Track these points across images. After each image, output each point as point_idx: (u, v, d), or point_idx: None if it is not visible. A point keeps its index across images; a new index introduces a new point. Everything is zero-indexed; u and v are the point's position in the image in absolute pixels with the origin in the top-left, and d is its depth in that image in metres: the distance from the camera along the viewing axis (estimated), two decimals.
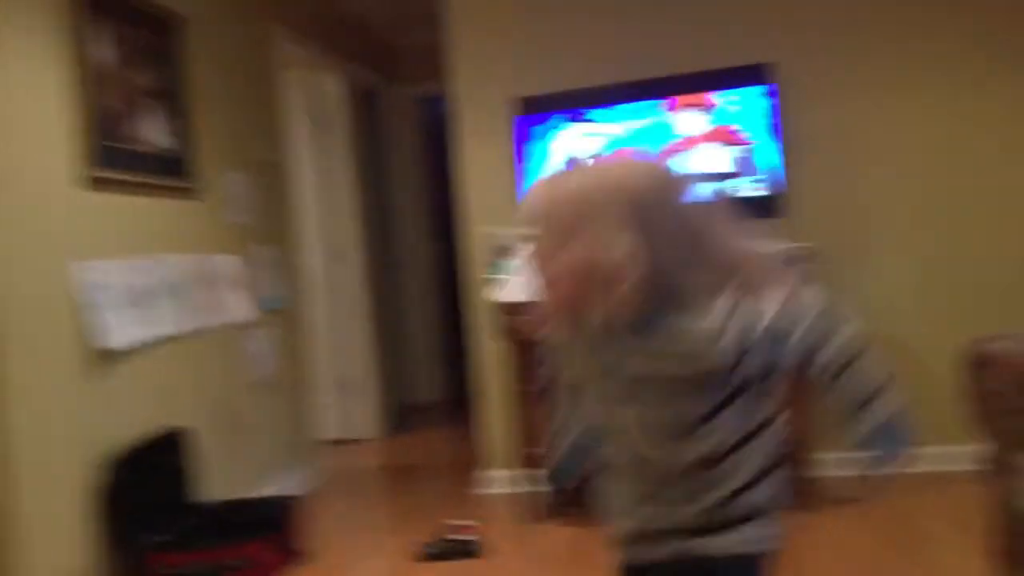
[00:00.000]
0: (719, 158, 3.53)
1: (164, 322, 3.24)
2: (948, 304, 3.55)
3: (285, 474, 4.14)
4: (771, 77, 3.50)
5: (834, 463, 3.39)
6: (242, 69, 4.18)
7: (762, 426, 1.28)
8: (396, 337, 6.11)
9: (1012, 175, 3.54)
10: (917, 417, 1.27)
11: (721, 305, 1.20)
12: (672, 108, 3.56)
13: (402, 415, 5.88)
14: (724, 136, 3.52)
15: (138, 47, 3.27)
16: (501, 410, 3.76)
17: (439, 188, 6.57)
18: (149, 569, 2.87)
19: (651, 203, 1.20)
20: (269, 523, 3.13)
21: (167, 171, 3.44)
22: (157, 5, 3.42)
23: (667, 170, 1.30)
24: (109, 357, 2.95)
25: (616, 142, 3.59)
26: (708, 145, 3.53)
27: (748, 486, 1.27)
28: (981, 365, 2.05)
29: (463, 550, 3.11)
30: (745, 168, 3.51)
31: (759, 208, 3.43)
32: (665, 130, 3.56)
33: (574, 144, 3.63)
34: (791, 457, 3.38)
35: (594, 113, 3.63)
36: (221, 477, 3.53)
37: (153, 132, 3.35)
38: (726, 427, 1.25)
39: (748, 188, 3.51)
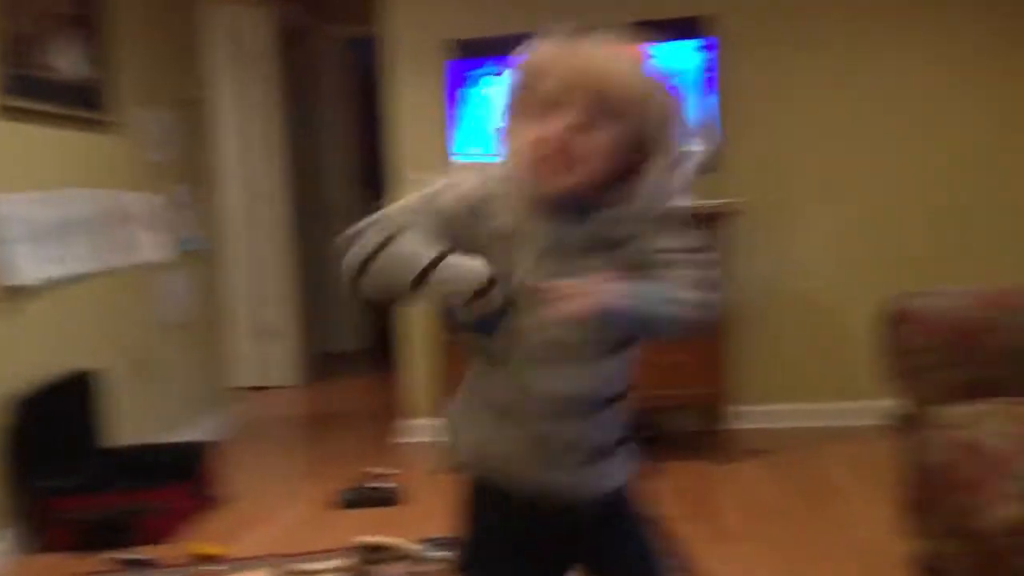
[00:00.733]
0: None
1: (76, 260, 3.11)
2: (869, 262, 3.62)
3: (201, 420, 4.04)
4: (708, 31, 3.48)
5: (746, 416, 3.45)
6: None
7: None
8: (318, 284, 6.00)
9: (938, 134, 3.62)
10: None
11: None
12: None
13: (322, 363, 5.80)
14: None
15: None
16: (423, 359, 3.72)
17: (369, 133, 6.44)
18: (54, 513, 2.77)
19: (653, 102, 1.19)
20: (182, 469, 3.05)
21: (82, 102, 3.29)
22: None
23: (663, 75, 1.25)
24: (18, 294, 2.82)
25: None
26: None
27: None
28: (899, 322, 2.08)
29: (381, 497, 3.08)
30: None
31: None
32: None
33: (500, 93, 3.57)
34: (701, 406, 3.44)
35: None
36: (133, 422, 3.42)
37: (68, 61, 3.18)
38: (634, 355, 1.25)
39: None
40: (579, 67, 1.18)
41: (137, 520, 2.78)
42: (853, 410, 3.50)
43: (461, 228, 1.20)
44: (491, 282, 1.15)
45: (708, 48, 3.48)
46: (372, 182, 6.46)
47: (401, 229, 1.19)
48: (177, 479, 2.96)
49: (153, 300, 3.73)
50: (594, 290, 1.11)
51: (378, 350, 6.25)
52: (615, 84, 1.17)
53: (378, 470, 3.31)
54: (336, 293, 6.20)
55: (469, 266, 1.15)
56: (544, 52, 1.21)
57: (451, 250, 1.16)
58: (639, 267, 1.18)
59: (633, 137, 1.16)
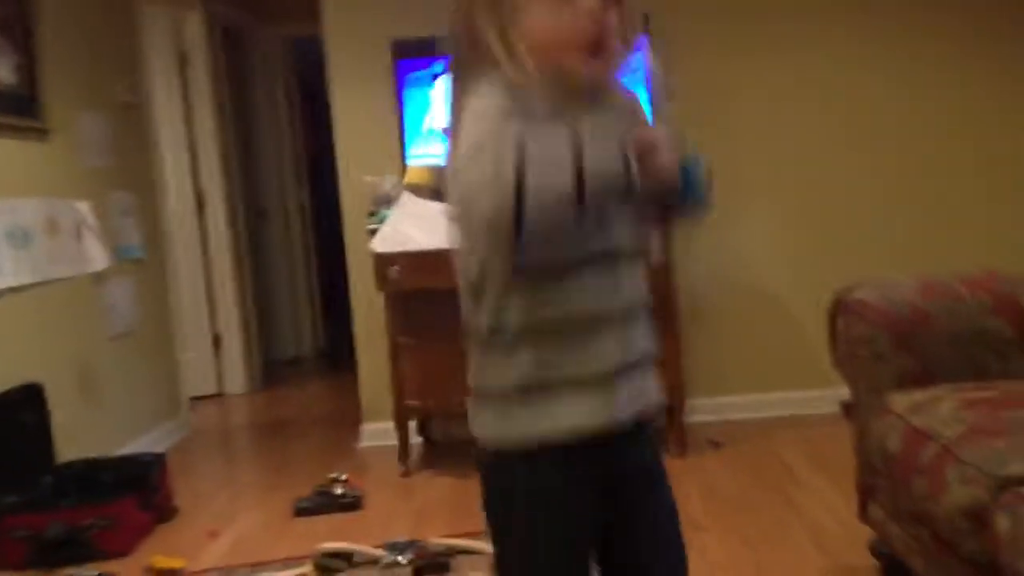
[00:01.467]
0: None
1: (13, 271, 3.03)
2: (815, 254, 3.69)
3: (153, 431, 3.97)
4: (645, 29, 3.51)
5: (700, 408, 3.50)
6: (98, 2, 3.90)
7: None
8: (266, 289, 5.93)
9: (881, 128, 3.69)
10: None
11: None
12: None
13: (274, 370, 5.74)
14: None
15: None
16: (379, 362, 3.70)
17: (311, 135, 6.39)
18: (6, 530, 2.71)
19: None
20: (135, 481, 3.00)
21: (16, 109, 3.21)
22: None
23: None
24: None
25: None
26: None
27: None
28: (843, 312, 2.14)
29: (339, 503, 3.06)
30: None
31: None
32: None
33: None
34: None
35: None
36: (84, 435, 3.36)
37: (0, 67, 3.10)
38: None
39: None
40: None
41: (92, 536, 2.73)
42: (805, 399, 3.58)
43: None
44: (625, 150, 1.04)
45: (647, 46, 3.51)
46: (316, 183, 6.42)
47: (518, 144, 1.00)
48: (131, 492, 2.90)
49: (97, 310, 3.66)
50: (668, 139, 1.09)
51: (330, 355, 6.22)
52: None
53: (335, 476, 3.28)
54: (285, 298, 6.14)
55: (601, 143, 1.02)
56: None
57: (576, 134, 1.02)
58: None
59: (628, 16, 1.14)
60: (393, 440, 3.46)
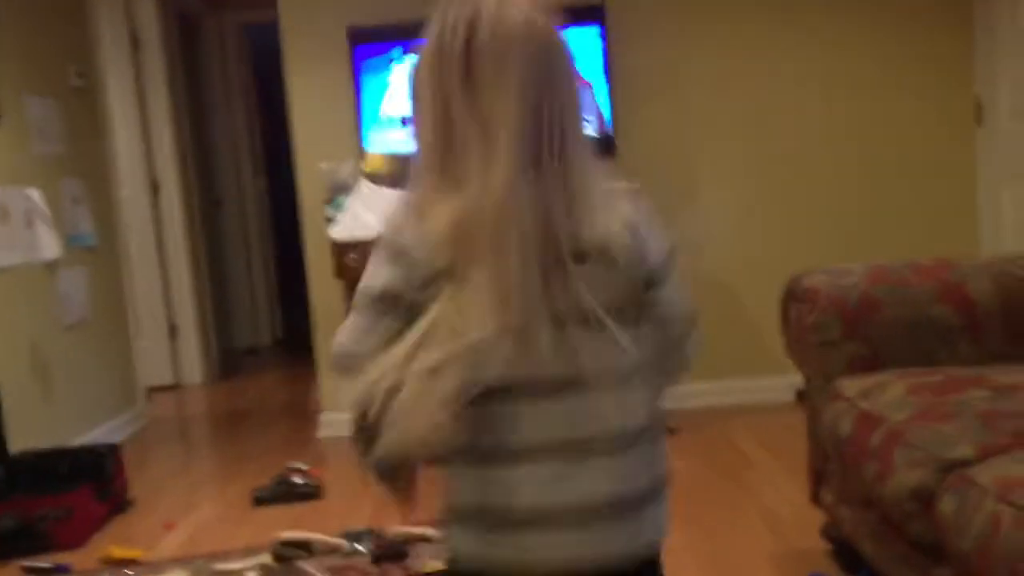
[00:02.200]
0: None
1: None
2: (768, 242, 3.74)
3: (108, 421, 3.93)
4: (604, 17, 3.53)
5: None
6: None
7: None
8: (221, 278, 5.87)
9: (834, 114, 3.73)
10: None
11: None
12: None
13: (230, 359, 5.69)
14: None
15: None
16: None
17: (268, 121, 6.33)
18: None
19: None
20: (90, 472, 2.96)
21: None
22: None
23: None
24: None
25: None
26: None
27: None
28: (799, 299, 2.17)
29: (297, 493, 3.06)
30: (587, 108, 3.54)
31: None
32: None
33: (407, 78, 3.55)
34: None
35: None
36: (37, 425, 3.31)
37: None
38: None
39: (587, 128, 3.55)
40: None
41: (47, 527, 2.70)
42: (760, 386, 3.64)
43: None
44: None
45: (605, 35, 3.53)
46: (271, 171, 6.36)
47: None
48: (86, 483, 2.87)
49: (50, 299, 3.60)
50: None
51: (287, 344, 6.18)
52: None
53: (295, 465, 3.27)
54: (242, 287, 6.10)
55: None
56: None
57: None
58: None
59: None
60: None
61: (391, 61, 3.55)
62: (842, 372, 2.08)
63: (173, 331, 5.15)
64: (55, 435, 3.40)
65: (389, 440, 1.01)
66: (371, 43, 3.56)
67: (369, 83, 3.57)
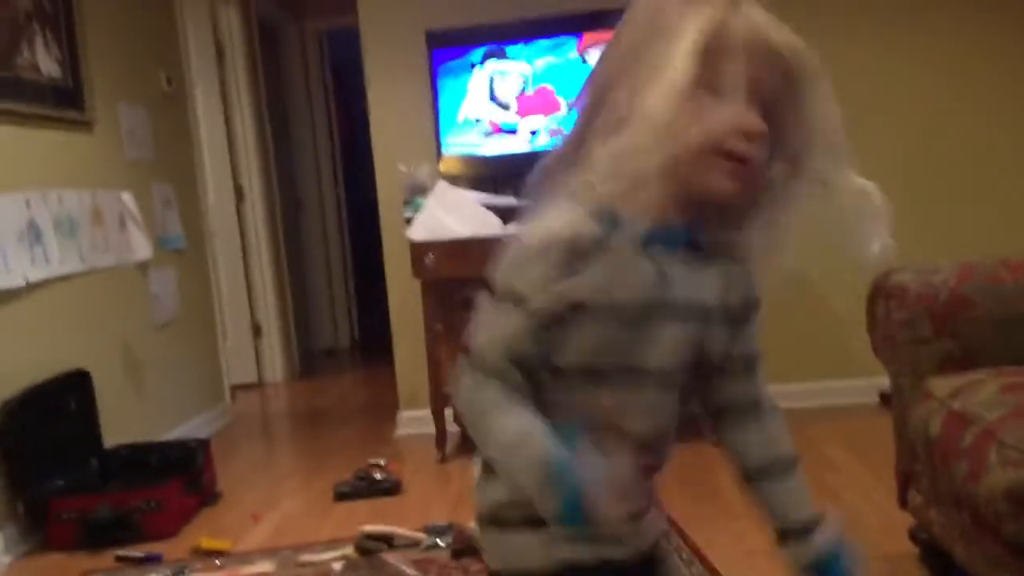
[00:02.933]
0: None
1: (60, 260, 3.11)
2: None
3: (195, 418, 4.05)
4: None
5: None
6: None
7: None
8: (301, 280, 6.00)
9: (915, 107, 3.65)
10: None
11: None
12: (582, 46, 3.53)
13: (309, 360, 5.81)
14: None
15: None
16: (417, 351, 3.73)
17: (347, 126, 6.45)
18: (54, 514, 2.78)
19: None
20: (180, 466, 3.06)
21: (59, 101, 3.27)
22: None
23: None
24: (3, 296, 2.81)
25: (533, 79, 3.57)
26: None
27: None
28: (885, 296, 2.13)
29: (377, 488, 3.10)
30: None
31: None
32: (579, 68, 3.54)
33: (488, 81, 3.59)
34: None
35: (511, 49, 3.58)
36: (129, 421, 3.43)
37: (40, 59, 3.16)
38: None
39: None
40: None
41: (138, 518, 2.80)
42: (844, 388, 3.57)
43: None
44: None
45: None
46: (350, 175, 6.48)
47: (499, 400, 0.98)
48: (176, 476, 2.97)
49: (142, 299, 3.73)
50: None
51: (364, 345, 6.28)
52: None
53: (373, 461, 3.33)
54: (322, 289, 6.23)
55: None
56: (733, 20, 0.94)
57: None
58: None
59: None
60: (430, 428, 3.50)
61: (472, 66, 3.59)
62: (932, 371, 2.03)
63: (257, 331, 5.29)
64: (146, 430, 3.52)
65: None
66: (449, 47, 3.60)
67: (447, 86, 3.62)
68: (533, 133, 3.60)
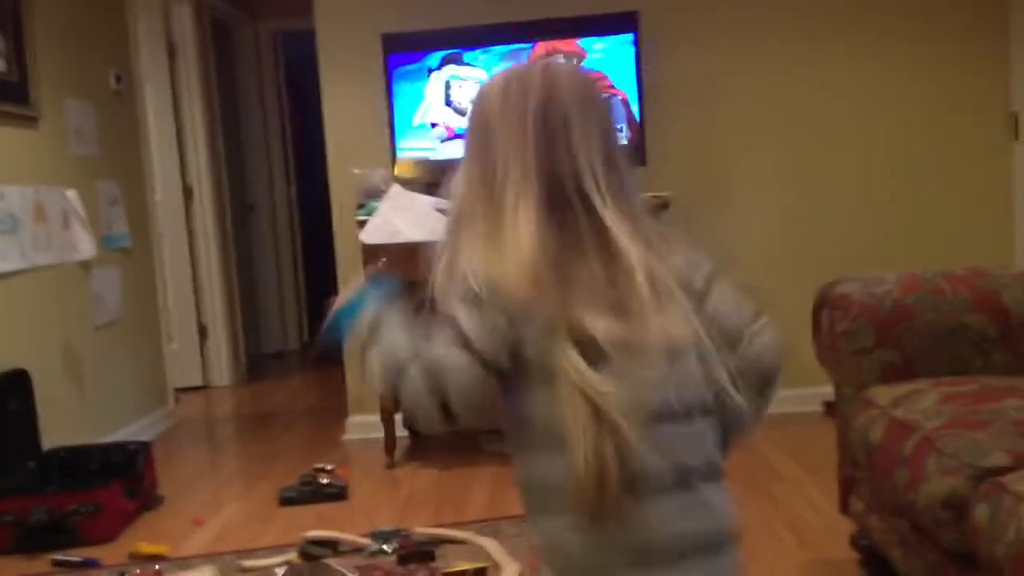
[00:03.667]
0: None
1: (0, 258, 3.03)
2: (800, 251, 3.73)
3: (138, 421, 3.97)
4: (638, 25, 3.54)
5: None
6: None
7: None
8: (250, 282, 5.93)
9: (867, 124, 3.72)
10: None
11: None
12: (536, 55, 3.54)
13: (257, 364, 5.73)
14: None
15: None
16: None
17: (298, 129, 6.39)
18: None
19: None
20: (121, 469, 3.00)
21: (3, 97, 3.20)
22: None
23: None
24: None
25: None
26: None
27: None
28: (830, 306, 2.16)
29: (324, 493, 3.07)
30: (619, 117, 3.55)
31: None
32: None
33: (444, 86, 3.59)
34: None
35: (469, 55, 3.58)
36: (69, 422, 3.36)
37: None
38: None
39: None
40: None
41: (76, 522, 2.73)
42: (788, 397, 3.58)
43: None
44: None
45: (637, 43, 3.54)
46: (301, 177, 6.42)
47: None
48: (116, 479, 2.90)
49: (84, 299, 3.65)
50: None
51: (310, 349, 6.21)
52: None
53: (321, 466, 3.30)
54: (271, 291, 6.15)
55: None
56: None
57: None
58: None
59: None
60: (379, 433, 3.48)
61: (430, 71, 3.58)
62: (874, 380, 2.06)
63: (203, 333, 5.20)
64: (87, 432, 3.44)
65: None
66: (405, 51, 3.59)
67: (402, 90, 3.60)
68: None
